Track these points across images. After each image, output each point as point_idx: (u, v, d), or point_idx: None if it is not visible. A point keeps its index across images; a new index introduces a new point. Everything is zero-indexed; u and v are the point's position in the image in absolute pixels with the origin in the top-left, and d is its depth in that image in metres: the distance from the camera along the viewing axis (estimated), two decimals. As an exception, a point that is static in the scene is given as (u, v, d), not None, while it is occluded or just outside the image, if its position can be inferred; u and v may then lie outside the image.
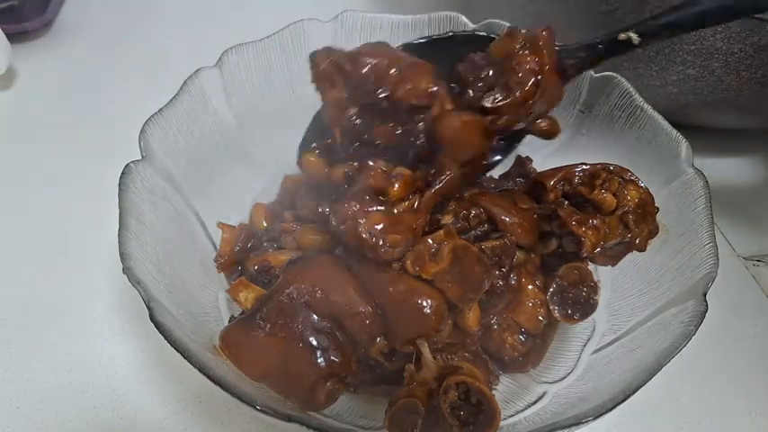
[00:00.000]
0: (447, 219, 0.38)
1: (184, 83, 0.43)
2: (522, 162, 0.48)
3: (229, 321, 0.39)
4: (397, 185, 0.35)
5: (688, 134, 0.41)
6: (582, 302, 0.39)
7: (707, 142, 0.59)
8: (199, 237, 0.43)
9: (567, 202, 0.40)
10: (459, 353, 0.35)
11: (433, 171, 0.38)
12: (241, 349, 0.34)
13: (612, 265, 0.41)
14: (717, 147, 0.62)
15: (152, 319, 0.29)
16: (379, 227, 0.33)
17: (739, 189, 0.60)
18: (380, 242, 0.33)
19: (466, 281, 0.34)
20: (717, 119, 0.58)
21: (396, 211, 0.34)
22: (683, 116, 0.56)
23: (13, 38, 0.63)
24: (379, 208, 0.34)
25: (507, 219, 0.38)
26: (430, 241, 0.34)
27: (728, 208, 0.57)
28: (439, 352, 0.35)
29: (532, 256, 0.40)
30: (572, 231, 0.37)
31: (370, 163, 0.37)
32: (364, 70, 0.37)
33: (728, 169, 0.62)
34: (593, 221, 0.38)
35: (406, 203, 0.35)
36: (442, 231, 0.34)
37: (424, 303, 0.33)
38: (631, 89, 0.44)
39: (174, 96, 0.42)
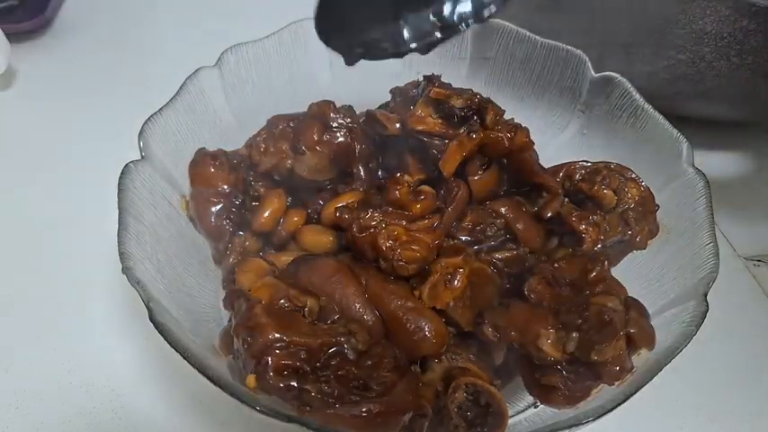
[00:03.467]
0: (463, 233, 0.38)
1: (184, 83, 0.43)
2: None
3: (228, 321, 0.39)
4: (420, 203, 0.36)
5: (689, 132, 0.41)
6: None
7: (708, 141, 0.59)
8: (198, 236, 0.42)
9: (567, 200, 0.39)
10: (463, 354, 0.35)
11: (442, 191, 0.39)
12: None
13: (613, 265, 0.41)
14: (718, 145, 0.62)
15: (152, 319, 0.29)
16: (398, 241, 0.34)
17: (740, 189, 0.60)
18: (397, 255, 0.34)
19: (477, 304, 0.34)
20: (709, 109, 0.58)
21: (415, 227, 0.35)
22: (675, 106, 0.56)
23: (12, 37, 0.63)
24: (401, 222, 0.35)
25: (522, 227, 0.38)
26: (444, 264, 0.34)
27: (729, 208, 0.57)
28: (444, 353, 0.35)
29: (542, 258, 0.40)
30: (572, 228, 0.37)
31: (399, 175, 0.37)
32: None
33: (730, 168, 0.62)
34: (593, 218, 0.37)
35: (426, 221, 0.35)
36: (460, 258, 0.35)
37: (426, 327, 0.33)
38: (632, 89, 0.44)
39: (174, 96, 0.42)
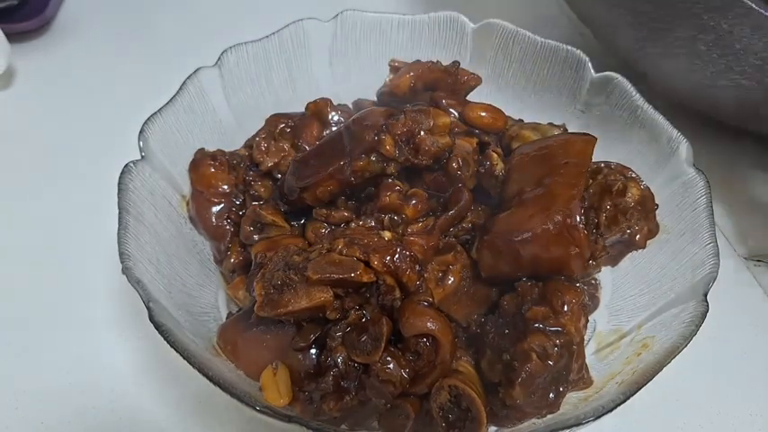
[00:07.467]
0: (462, 233, 0.38)
1: (184, 82, 0.43)
2: None
3: (227, 318, 0.39)
4: (411, 207, 0.36)
5: (689, 132, 0.41)
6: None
7: (708, 140, 0.59)
8: (198, 236, 0.42)
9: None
10: (462, 357, 0.35)
11: (444, 198, 0.38)
12: (238, 345, 0.34)
13: (612, 266, 0.41)
14: (718, 145, 0.62)
15: (151, 319, 0.29)
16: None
17: (741, 188, 0.60)
18: None
19: (472, 298, 0.34)
20: (746, 123, 0.57)
21: (409, 230, 0.35)
22: (712, 112, 0.55)
23: (12, 37, 0.63)
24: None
25: None
26: (435, 266, 0.34)
27: (729, 208, 0.57)
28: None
29: None
30: None
31: (390, 180, 0.37)
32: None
33: (729, 168, 0.61)
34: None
35: (420, 224, 0.35)
36: (450, 254, 0.34)
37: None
38: (632, 89, 0.44)
39: (174, 96, 0.42)
